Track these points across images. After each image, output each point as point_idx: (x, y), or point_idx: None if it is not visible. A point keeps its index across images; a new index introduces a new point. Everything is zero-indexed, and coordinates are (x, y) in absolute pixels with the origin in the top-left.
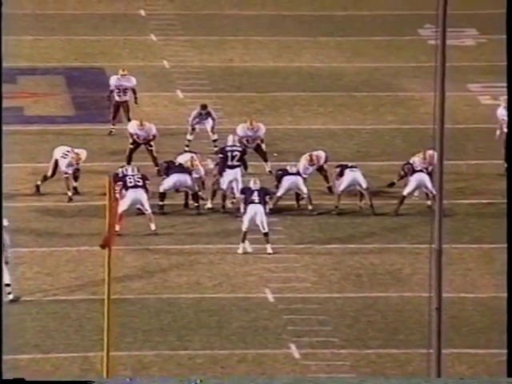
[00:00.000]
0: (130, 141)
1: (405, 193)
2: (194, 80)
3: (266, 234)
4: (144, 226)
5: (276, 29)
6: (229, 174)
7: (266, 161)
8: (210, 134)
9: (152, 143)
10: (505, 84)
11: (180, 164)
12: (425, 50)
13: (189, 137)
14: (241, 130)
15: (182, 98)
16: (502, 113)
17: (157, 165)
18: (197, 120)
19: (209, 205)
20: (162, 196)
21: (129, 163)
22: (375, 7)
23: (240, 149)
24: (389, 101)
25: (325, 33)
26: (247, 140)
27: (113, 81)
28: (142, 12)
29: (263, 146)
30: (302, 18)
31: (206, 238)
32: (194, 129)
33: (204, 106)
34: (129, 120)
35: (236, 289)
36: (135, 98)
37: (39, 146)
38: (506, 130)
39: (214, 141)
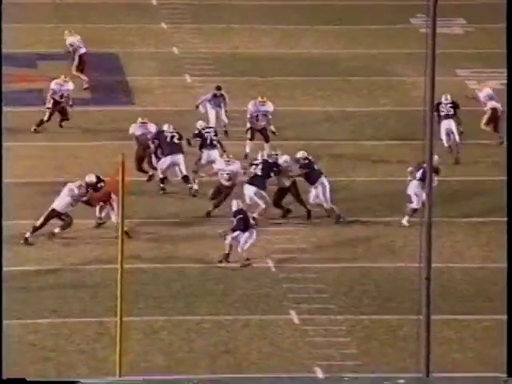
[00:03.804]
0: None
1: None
2: (201, 65)
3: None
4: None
5: (278, 18)
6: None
7: (267, 141)
8: (224, 117)
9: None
10: (491, 69)
11: (174, 143)
12: (416, 38)
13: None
14: (252, 105)
15: (190, 82)
16: (484, 95)
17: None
18: (212, 103)
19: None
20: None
21: (140, 169)
22: None
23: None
24: (382, 85)
25: (323, 21)
26: (257, 116)
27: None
28: (154, 1)
29: (271, 127)
30: (302, 7)
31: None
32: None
33: (219, 88)
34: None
35: (240, 259)
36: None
37: (57, 126)
38: (489, 109)
39: (225, 126)
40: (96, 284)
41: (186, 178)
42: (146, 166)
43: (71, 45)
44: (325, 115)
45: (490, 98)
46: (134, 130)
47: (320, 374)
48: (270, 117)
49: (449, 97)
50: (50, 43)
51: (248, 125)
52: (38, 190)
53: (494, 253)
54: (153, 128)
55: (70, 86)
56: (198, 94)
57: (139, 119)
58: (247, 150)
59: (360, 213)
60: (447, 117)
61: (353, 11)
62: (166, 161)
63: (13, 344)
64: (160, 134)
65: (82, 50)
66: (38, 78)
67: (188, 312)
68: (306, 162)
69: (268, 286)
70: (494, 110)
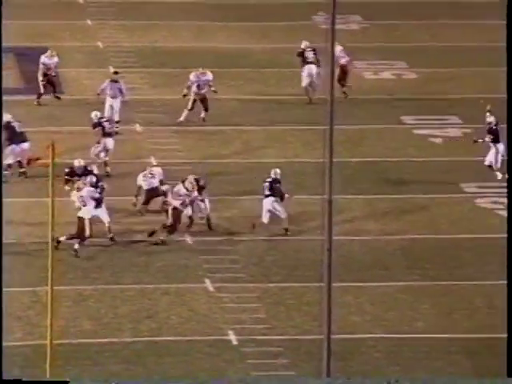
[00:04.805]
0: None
1: None
2: (124, 58)
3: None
4: None
5: (195, 14)
6: (266, 203)
7: (206, 110)
8: (118, 109)
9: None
10: (385, 61)
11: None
12: (317, 33)
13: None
14: (194, 76)
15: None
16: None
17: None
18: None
19: None
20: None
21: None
22: None
23: (270, 179)
24: (289, 76)
25: (237, 18)
26: (199, 85)
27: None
28: (81, 0)
29: (212, 89)
30: (217, 5)
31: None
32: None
33: (116, 72)
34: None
35: (160, 234)
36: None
37: None
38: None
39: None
40: (30, 256)
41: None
42: None
43: None
44: (238, 102)
45: (342, 56)
46: None
47: (233, 337)
48: (211, 84)
49: (308, 43)
50: None
51: (192, 96)
52: None
53: (389, 226)
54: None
55: (56, 58)
56: (128, 77)
57: None
58: (182, 118)
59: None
60: (309, 62)
61: (263, 9)
62: None
63: None
64: None
65: None
66: None
67: (113, 281)
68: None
69: (185, 258)
70: (344, 66)
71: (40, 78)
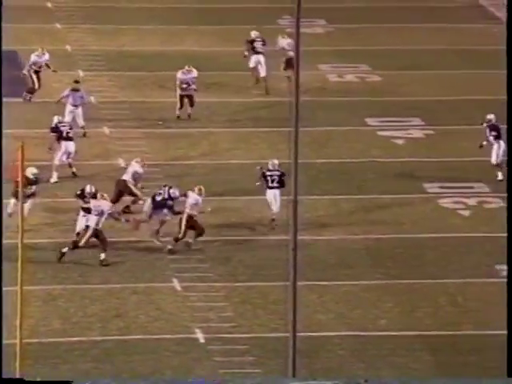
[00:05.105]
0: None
1: None
2: (92, 61)
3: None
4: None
5: (162, 19)
6: (269, 194)
7: (192, 106)
8: (81, 118)
9: None
10: (349, 64)
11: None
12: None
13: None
14: (181, 74)
15: (83, 76)
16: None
17: None
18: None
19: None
20: None
21: None
22: (245, 1)
23: (278, 173)
24: (254, 78)
25: (204, 22)
26: (187, 83)
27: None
28: (49, 5)
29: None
30: (185, 9)
31: None
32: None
33: (76, 81)
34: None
35: (130, 235)
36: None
37: None
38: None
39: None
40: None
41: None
42: None
43: None
44: (205, 105)
45: (288, 49)
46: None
47: (200, 335)
48: (195, 78)
49: (258, 33)
50: None
51: (178, 92)
52: None
53: (353, 226)
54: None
55: (46, 56)
56: (89, 87)
57: None
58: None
59: (236, 191)
60: (258, 52)
61: (230, 13)
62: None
63: None
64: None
65: None
66: None
67: (82, 281)
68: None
69: (153, 258)
70: (291, 58)
71: (32, 74)
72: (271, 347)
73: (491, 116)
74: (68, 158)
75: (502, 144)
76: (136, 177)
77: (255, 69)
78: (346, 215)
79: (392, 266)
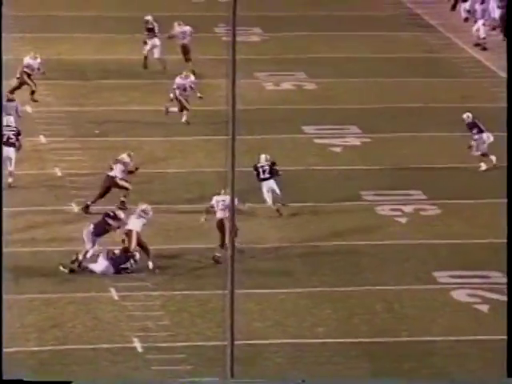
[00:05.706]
0: None
1: None
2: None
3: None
4: None
5: (97, 27)
6: (265, 185)
7: (187, 110)
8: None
9: None
10: (285, 72)
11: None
12: (219, 45)
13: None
14: (178, 80)
15: (18, 85)
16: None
17: None
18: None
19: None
20: None
21: None
22: (181, 9)
23: (269, 163)
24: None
25: (139, 30)
26: (184, 89)
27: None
28: None
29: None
30: (120, 18)
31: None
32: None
33: (11, 91)
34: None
35: (65, 243)
36: None
37: None
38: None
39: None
40: None
41: None
42: None
43: None
44: (141, 114)
45: (182, 37)
46: None
47: (138, 344)
48: (193, 86)
49: (151, 18)
50: None
51: (176, 96)
52: None
53: (291, 233)
54: None
55: (38, 59)
56: (25, 94)
57: None
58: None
59: (173, 201)
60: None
61: (165, 21)
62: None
63: None
64: None
65: None
66: None
67: (19, 291)
68: None
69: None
70: (185, 45)
71: (25, 77)
72: (209, 355)
73: (465, 115)
74: (10, 165)
75: (488, 135)
76: (123, 169)
77: (151, 52)
78: (284, 223)
79: (329, 274)
